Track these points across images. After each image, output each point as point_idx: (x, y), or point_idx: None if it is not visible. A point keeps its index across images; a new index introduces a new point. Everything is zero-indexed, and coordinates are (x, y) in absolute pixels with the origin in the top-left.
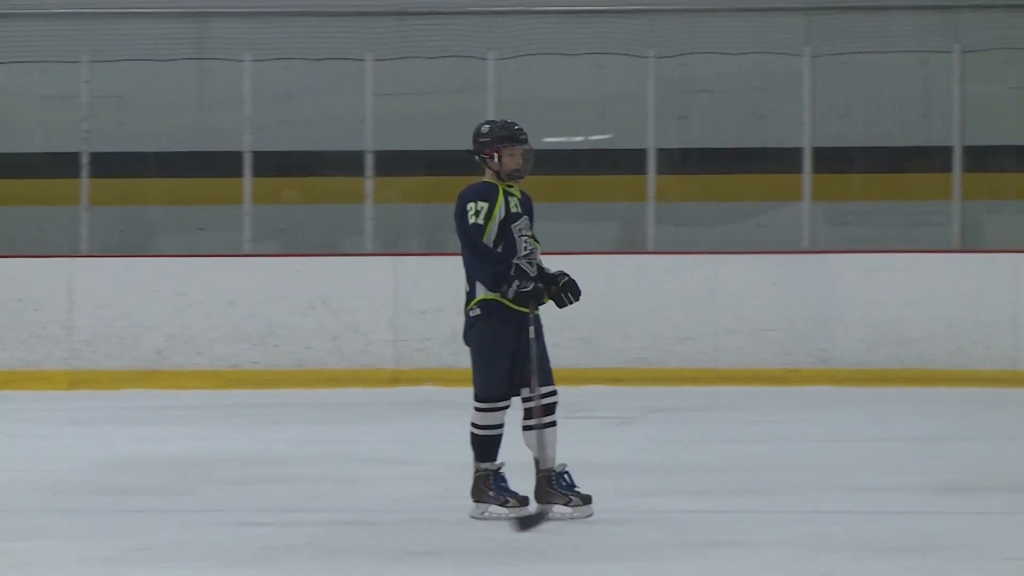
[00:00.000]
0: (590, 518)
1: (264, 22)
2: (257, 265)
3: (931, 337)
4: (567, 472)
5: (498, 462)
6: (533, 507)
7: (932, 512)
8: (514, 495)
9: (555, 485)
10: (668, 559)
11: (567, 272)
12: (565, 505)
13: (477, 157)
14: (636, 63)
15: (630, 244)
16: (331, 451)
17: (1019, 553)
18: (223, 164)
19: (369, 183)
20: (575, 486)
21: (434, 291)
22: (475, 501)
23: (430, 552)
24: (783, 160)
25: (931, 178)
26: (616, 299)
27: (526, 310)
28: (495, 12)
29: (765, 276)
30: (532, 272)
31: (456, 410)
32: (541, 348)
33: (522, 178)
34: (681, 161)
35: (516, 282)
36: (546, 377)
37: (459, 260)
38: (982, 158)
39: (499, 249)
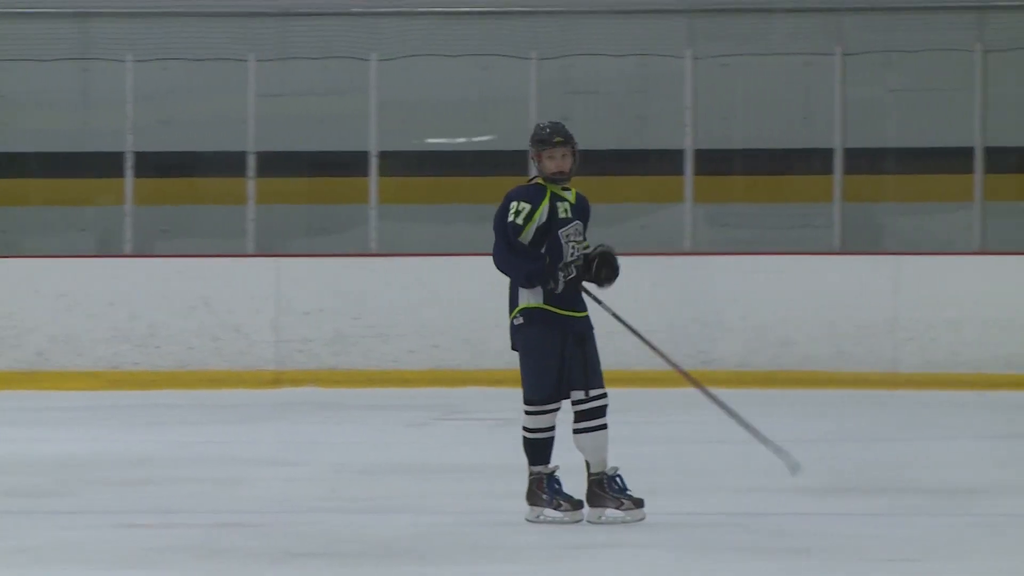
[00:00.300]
0: (642, 520)
1: (146, 22)
2: (138, 266)
3: (812, 339)
4: (619, 475)
5: (552, 465)
6: (778, 448)
7: (815, 514)
8: (568, 498)
9: (606, 488)
10: (549, 560)
11: (605, 245)
12: (617, 508)
13: None
14: (518, 64)
15: None
16: (212, 452)
17: (900, 554)
18: (105, 164)
19: (251, 184)
20: (627, 489)
21: (316, 292)
22: (530, 505)
23: (311, 553)
24: (665, 162)
25: (812, 180)
26: (498, 300)
27: (575, 313)
28: (377, 13)
29: (646, 278)
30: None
31: (337, 411)
32: (592, 350)
33: (566, 179)
34: None
35: (561, 273)
36: (596, 380)
37: (341, 261)
38: (863, 160)
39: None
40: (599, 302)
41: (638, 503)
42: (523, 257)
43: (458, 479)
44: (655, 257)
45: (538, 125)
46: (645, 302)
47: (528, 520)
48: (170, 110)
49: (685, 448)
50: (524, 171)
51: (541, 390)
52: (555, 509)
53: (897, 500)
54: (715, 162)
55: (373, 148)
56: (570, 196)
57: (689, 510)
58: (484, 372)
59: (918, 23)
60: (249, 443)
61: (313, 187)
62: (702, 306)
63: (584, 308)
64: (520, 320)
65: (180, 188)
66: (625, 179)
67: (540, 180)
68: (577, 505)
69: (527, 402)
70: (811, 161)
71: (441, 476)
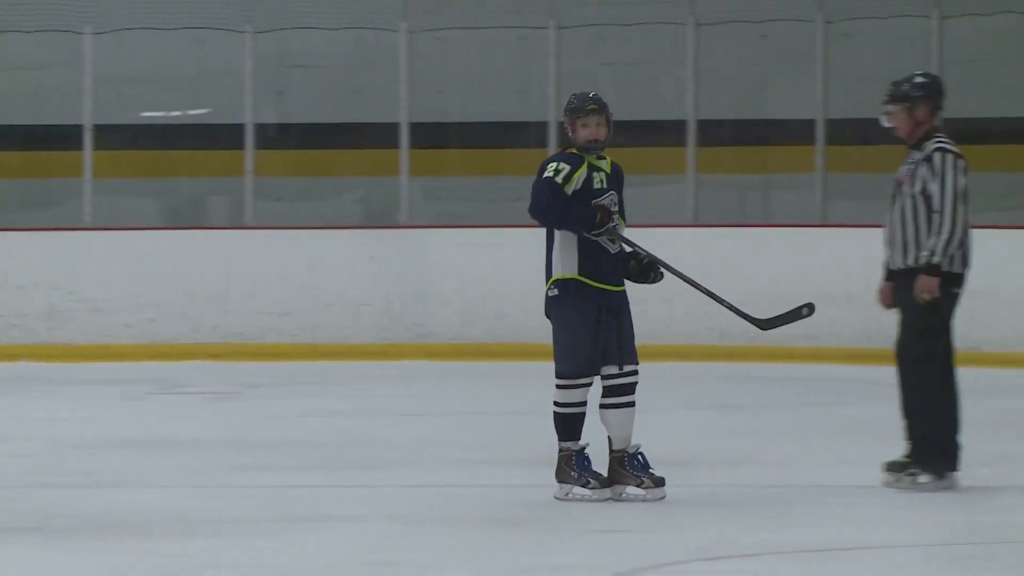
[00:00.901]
0: (662, 499)
1: None
2: None
3: (526, 311)
4: (641, 453)
5: (582, 442)
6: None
7: (532, 485)
8: (596, 476)
9: (627, 466)
10: (265, 535)
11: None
12: (637, 487)
13: None
14: (234, 38)
15: (230, 219)
16: None
17: (614, 526)
18: None
19: None
20: (649, 467)
21: (32, 267)
22: (559, 482)
23: (24, 528)
24: (381, 135)
25: (527, 153)
26: (215, 274)
27: (610, 287)
28: None
29: (363, 251)
30: (613, 248)
31: (52, 386)
32: (627, 325)
33: (601, 148)
34: (279, 136)
35: (610, 212)
36: (630, 356)
37: (55, 235)
38: None
39: None
40: (635, 245)
41: (659, 482)
42: (568, 202)
43: (175, 453)
44: (371, 230)
45: (572, 95)
46: (362, 275)
47: (557, 498)
48: None
49: (398, 421)
50: (239, 144)
51: (573, 364)
52: (583, 487)
53: None
54: (431, 135)
55: (87, 122)
56: (606, 166)
57: (404, 483)
58: (201, 346)
59: None
60: None
61: (27, 161)
62: (418, 279)
63: (621, 282)
64: (555, 291)
65: None
66: (341, 152)
67: (574, 150)
68: (606, 483)
69: (559, 375)
70: (526, 134)
71: (158, 450)
